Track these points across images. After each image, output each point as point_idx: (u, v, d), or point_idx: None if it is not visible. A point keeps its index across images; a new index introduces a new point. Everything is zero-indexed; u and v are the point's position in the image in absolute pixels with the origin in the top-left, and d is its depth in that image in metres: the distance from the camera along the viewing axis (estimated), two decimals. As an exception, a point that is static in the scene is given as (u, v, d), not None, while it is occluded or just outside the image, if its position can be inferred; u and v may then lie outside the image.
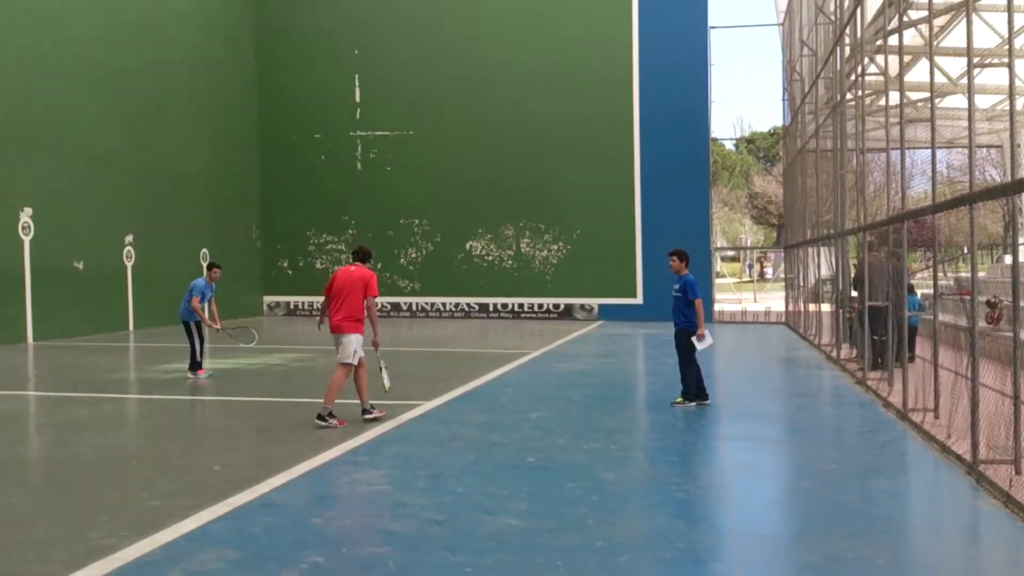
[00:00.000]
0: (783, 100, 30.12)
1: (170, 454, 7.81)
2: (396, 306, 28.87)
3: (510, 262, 28.47)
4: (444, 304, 28.74)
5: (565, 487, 6.61)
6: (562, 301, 28.16)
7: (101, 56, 21.96)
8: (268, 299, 29.87)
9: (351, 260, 9.71)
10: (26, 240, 19.27)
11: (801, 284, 23.30)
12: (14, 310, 18.86)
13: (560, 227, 28.21)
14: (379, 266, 28.84)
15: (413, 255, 28.97)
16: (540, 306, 28.26)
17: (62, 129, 20.46)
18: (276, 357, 16.22)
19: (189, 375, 13.06)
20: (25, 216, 19.24)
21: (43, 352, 17.35)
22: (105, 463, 7.46)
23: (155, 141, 24.05)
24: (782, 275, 37.81)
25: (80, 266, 20.99)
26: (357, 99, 29.19)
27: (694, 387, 10.40)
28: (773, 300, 37.17)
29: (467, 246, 28.68)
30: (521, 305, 28.36)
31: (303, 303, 29.45)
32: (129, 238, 22.94)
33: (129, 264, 22.95)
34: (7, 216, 18.77)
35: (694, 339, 10.25)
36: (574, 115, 28.02)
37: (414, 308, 28.87)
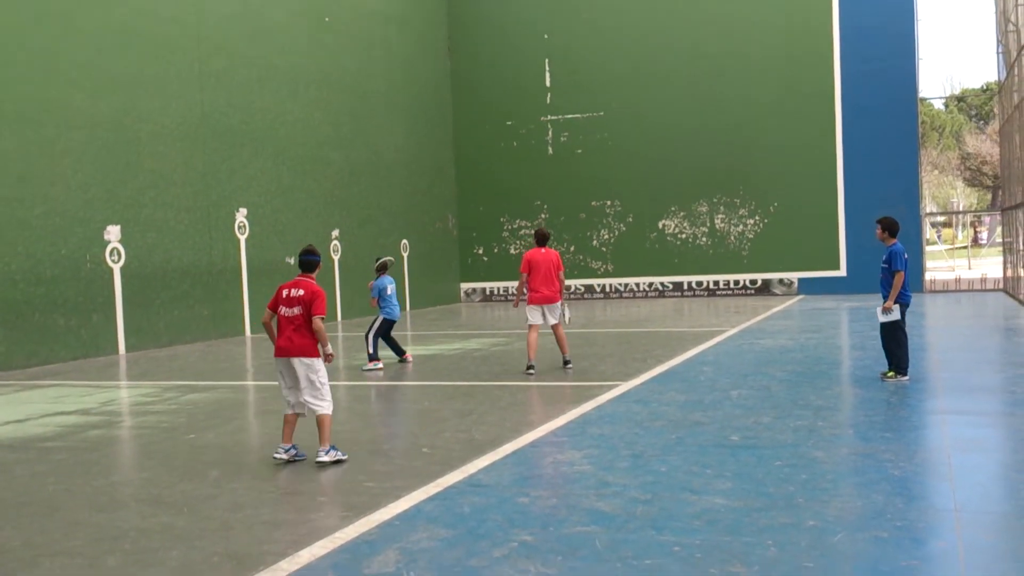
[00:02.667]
0: (997, 53, 27.84)
1: (380, 437, 8.07)
2: (589, 288, 28.88)
3: (704, 239, 27.83)
4: (637, 284, 28.49)
5: (772, 465, 6.32)
6: (759, 276, 27.25)
7: (306, 60, 23.10)
8: (465, 286, 30.62)
9: (535, 244, 11.86)
10: (242, 239, 20.58)
11: (1021, 248, 21.53)
12: (233, 305, 20.21)
13: (756, 200, 27.30)
14: (571, 249, 28.93)
15: (605, 236, 28.86)
16: (736, 283, 27.47)
17: (271, 132, 21.68)
18: (474, 342, 16.53)
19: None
20: (241, 216, 20.53)
21: (259, 344, 18.47)
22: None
23: (356, 138, 25.10)
24: (997, 240, 35.13)
25: (291, 261, 22.18)
26: (547, 83, 29.38)
27: (906, 359, 9.93)
28: (989, 266, 34.62)
29: (660, 225, 28.27)
30: (716, 282, 27.68)
31: (498, 288, 29.99)
32: (335, 232, 24.06)
33: (336, 257, 24.08)
34: (226, 217, 20.10)
35: (877, 309, 9.97)
36: (769, 82, 27.05)
37: (607, 289, 28.78)
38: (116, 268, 17.18)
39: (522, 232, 29.75)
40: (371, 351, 13.23)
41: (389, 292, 13.84)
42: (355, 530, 5.20)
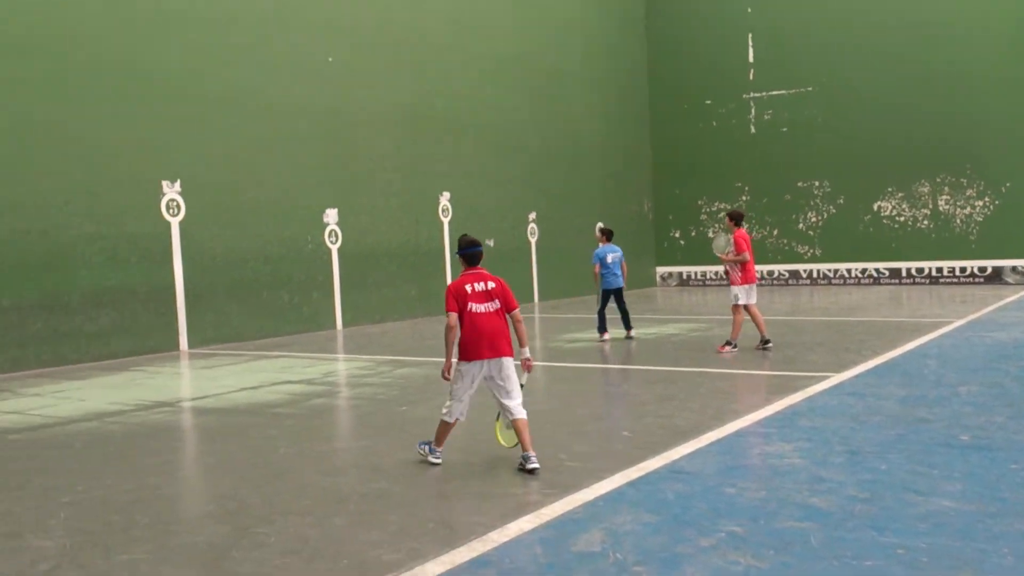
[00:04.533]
0: None
1: (580, 418, 8.15)
2: (795, 273, 27.85)
3: (926, 222, 26.15)
4: (848, 270, 27.16)
5: (1007, 469, 5.88)
6: (989, 263, 25.33)
7: (505, 45, 23.55)
8: (661, 270, 30.31)
9: (735, 224, 12.44)
10: (445, 222, 21.27)
11: None
12: (438, 285, 20.94)
13: (985, 180, 25.34)
14: (775, 232, 28.01)
15: (813, 219, 27.71)
16: (963, 270, 25.67)
17: (473, 117, 22.25)
18: (671, 327, 16.36)
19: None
20: (444, 200, 21.22)
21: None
22: (524, 425, 7.95)
23: (553, 121, 25.35)
24: None
25: (491, 243, 22.74)
26: (750, 59, 28.47)
27: None
28: None
29: (875, 207, 26.80)
30: (939, 269, 25.96)
31: (695, 273, 29.48)
32: (532, 215, 24.43)
33: (533, 240, 24.46)
34: (431, 201, 20.84)
35: None
36: (998, 51, 25.00)
37: (814, 275, 27.65)
38: (334, 249, 18.22)
39: (721, 215, 28.98)
40: (601, 324, 13.77)
41: (610, 261, 14.01)
42: (560, 508, 5.30)
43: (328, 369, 12.29)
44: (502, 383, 6.36)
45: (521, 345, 6.55)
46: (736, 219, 12.60)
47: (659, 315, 19.12)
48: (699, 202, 29.56)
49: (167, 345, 14.94)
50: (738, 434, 7.23)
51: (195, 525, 5.30)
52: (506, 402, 6.34)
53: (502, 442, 6.72)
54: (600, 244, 14.52)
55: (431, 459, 6.53)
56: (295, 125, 17.38)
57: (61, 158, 13.47)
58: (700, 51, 29.28)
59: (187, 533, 5.13)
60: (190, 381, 11.78)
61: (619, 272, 14.28)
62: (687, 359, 11.98)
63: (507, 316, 6.50)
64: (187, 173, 15.31)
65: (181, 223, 15.22)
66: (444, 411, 6.55)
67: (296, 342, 15.91)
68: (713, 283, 28.74)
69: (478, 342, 6.32)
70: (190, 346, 15.25)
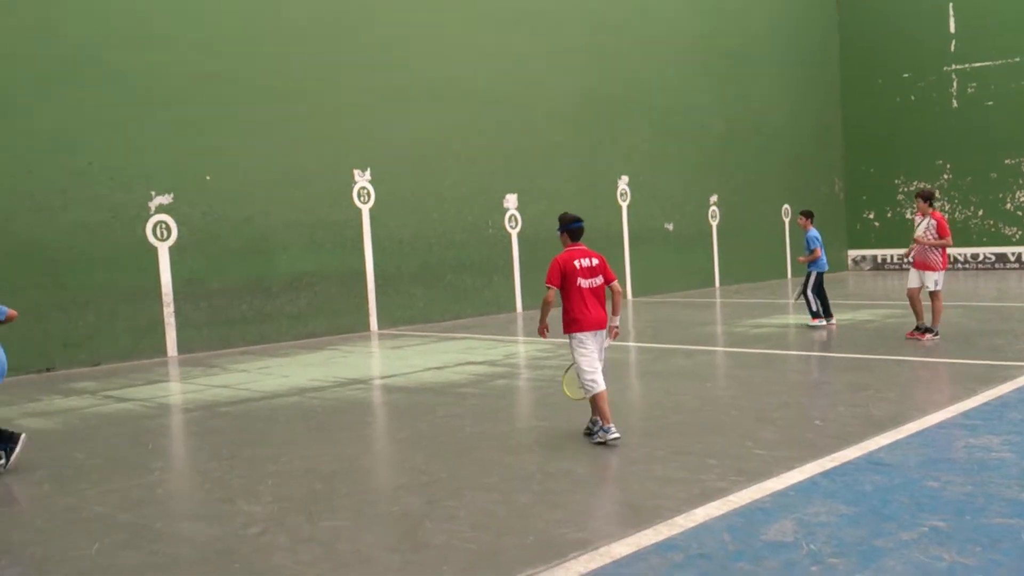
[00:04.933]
0: None
1: (768, 406, 7.95)
2: (1001, 257, 26.02)
3: None
4: (1061, 253, 25.14)
5: None
6: None
7: (687, 27, 23.14)
8: (853, 253, 29.03)
9: (925, 205, 11.75)
10: (624, 206, 21.17)
11: None
12: (616, 269, 20.91)
13: None
14: (979, 213, 26.27)
15: (1021, 199, 25.75)
16: None
17: (652, 100, 22.01)
18: (865, 313, 15.65)
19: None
20: (623, 184, 21.13)
21: (640, 307, 18.98)
22: (707, 411, 7.85)
23: (736, 101, 24.71)
24: None
25: (670, 227, 22.47)
26: (951, 30, 26.72)
27: None
28: None
29: (1090, 185, 24.68)
30: None
31: (891, 256, 28.05)
32: (714, 198, 23.94)
33: (714, 223, 23.97)
34: (609, 185, 20.80)
35: None
36: None
37: (1023, 259, 25.72)
38: (513, 234, 18.52)
39: (920, 196, 27.39)
40: (813, 308, 13.46)
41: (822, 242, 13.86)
42: (748, 495, 5.20)
43: (509, 351, 12.53)
44: (598, 352, 6.81)
45: (614, 314, 6.87)
46: (928, 198, 11.83)
47: (852, 300, 18.33)
48: (895, 181, 28.08)
49: (359, 326, 15.67)
50: (941, 426, 6.86)
51: (390, 496, 5.55)
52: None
53: (568, 394, 7.11)
54: (807, 228, 14.14)
55: (610, 438, 6.55)
56: (477, 112, 17.74)
57: (265, 150, 14.33)
58: (896, 23, 27.73)
59: (383, 503, 5.38)
60: (380, 360, 12.31)
61: (824, 255, 14.04)
62: (882, 347, 11.43)
63: (607, 287, 6.90)
64: (376, 162, 15.95)
65: (371, 210, 15.89)
66: (589, 386, 6.67)
67: (478, 324, 16.31)
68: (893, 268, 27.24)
69: (589, 314, 6.70)
70: (380, 327, 15.93)
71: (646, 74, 21.83)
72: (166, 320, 13.09)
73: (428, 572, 4.21)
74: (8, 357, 11.40)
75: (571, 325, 6.75)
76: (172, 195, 13.19)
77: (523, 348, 12.91)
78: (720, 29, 24.24)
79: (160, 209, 13.09)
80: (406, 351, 12.89)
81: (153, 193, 13.02)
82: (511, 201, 18.48)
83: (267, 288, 14.33)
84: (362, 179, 15.76)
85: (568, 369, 7.08)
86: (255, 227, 14.22)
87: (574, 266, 6.75)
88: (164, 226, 13.12)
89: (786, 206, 26.47)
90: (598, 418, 6.67)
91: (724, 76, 24.31)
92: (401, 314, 16.35)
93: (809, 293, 13.69)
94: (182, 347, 13.19)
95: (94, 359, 12.30)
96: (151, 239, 12.99)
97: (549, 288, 6.71)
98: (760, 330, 13.77)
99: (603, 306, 6.80)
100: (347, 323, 15.49)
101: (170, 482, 6.22)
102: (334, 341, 14.45)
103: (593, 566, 4.17)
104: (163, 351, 13.02)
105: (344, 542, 4.66)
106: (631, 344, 12.95)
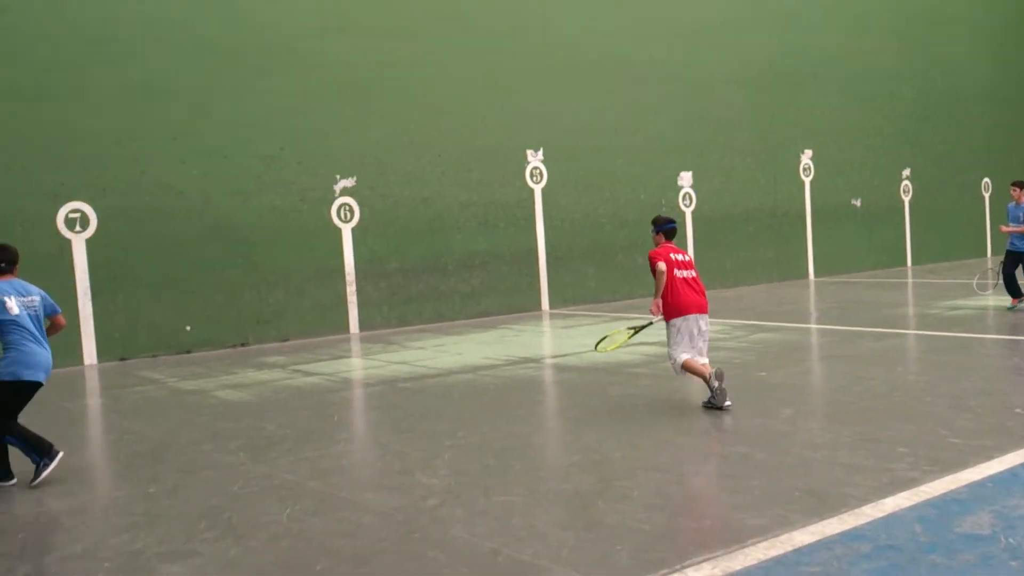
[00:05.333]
0: None
1: (964, 392, 7.45)
2: None
3: None
4: None
5: None
6: None
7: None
8: (1059, 231, 26.74)
9: None
10: (806, 181, 20.34)
11: None
12: (796, 248, 20.16)
13: None
14: None
15: None
16: None
17: (837, 69, 20.98)
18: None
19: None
20: (805, 158, 20.29)
21: (824, 287, 18.21)
22: (897, 396, 7.44)
23: (931, 69, 23.22)
24: None
25: (857, 203, 21.42)
26: None
27: None
28: None
29: None
30: None
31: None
32: (906, 171, 22.63)
33: (906, 199, 22.68)
34: (790, 159, 20.04)
35: None
36: None
37: None
38: (688, 212, 18.17)
39: None
40: (1012, 288, 12.54)
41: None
42: (941, 486, 4.89)
43: (684, 331, 12.30)
44: (699, 333, 7.41)
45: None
46: None
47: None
48: (1109, 151, 25.65)
49: (530, 305, 15.82)
50: None
51: (562, 473, 5.56)
52: (702, 346, 7.41)
53: (608, 347, 7.95)
54: (1022, 200, 12.95)
55: (725, 404, 7.06)
56: (649, 89, 17.48)
57: (441, 132, 14.66)
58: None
59: (555, 480, 5.40)
60: (552, 339, 12.38)
61: None
62: (1093, 331, 10.52)
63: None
64: (548, 142, 16.01)
65: (543, 189, 15.97)
66: (673, 361, 7.38)
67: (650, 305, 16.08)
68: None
69: (687, 301, 7.37)
70: (551, 306, 16.02)
71: (830, 40, 20.83)
72: (348, 298, 13.66)
73: (601, 551, 4.18)
74: (207, 332, 12.32)
75: (669, 312, 7.48)
76: (355, 178, 13.71)
77: (697, 328, 12.65)
78: (910, -7, 22.84)
79: (344, 192, 13.65)
80: (577, 331, 12.91)
81: (338, 176, 13.58)
82: (685, 179, 18.13)
83: (442, 267, 14.69)
84: (535, 159, 15.85)
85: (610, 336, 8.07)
86: (431, 208, 14.59)
87: (671, 258, 7.49)
88: (348, 208, 13.67)
89: (986, 179, 24.70)
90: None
91: (916, 39, 22.86)
92: (572, 293, 16.38)
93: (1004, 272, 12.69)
94: (363, 324, 13.73)
95: (283, 335, 12.99)
96: (336, 221, 13.56)
97: (658, 264, 7.43)
98: (957, 312, 12.93)
99: (702, 292, 7.53)
100: (519, 302, 15.66)
101: (354, 453, 6.49)
102: (506, 320, 14.66)
103: (773, 553, 4.03)
104: (345, 328, 13.60)
105: (518, 517, 4.71)
106: (813, 326, 12.46)
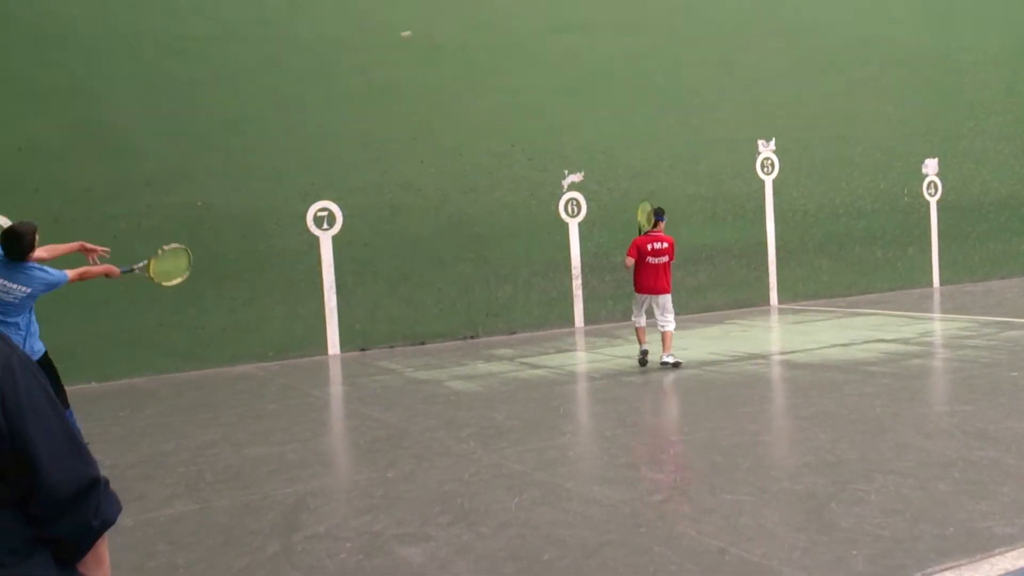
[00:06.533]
0: None
1: None
2: None
3: None
4: None
5: None
6: None
7: None
8: None
9: None
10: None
11: None
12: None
13: None
14: None
15: None
16: None
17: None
18: None
19: None
20: None
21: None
22: None
23: None
24: None
25: None
26: None
27: None
28: None
29: None
30: None
31: None
32: None
33: None
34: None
35: None
36: None
37: None
38: (932, 201, 17.10)
39: None
40: None
41: None
42: None
43: (924, 328, 11.65)
44: (657, 308, 9.57)
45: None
46: None
47: None
48: None
49: (758, 299, 15.46)
50: None
51: (793, 473, 5.48)
52: (660, 317, 9.59)
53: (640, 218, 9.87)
54: None
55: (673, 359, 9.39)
56: (893, 73, 16.56)
57: (665, 125, 14.60)
58: None
59: (786, 480, 5.33)
60: (781, 335, 12.08)
61: None
62: None
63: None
64: (782, 131, 15.55)
65: (774, 181, 15.55)
66: (634, 321, 9.85)
67: (889, 299, 15.31)
68: None
69: (647, 284, 9.57)
70: (780, 301, 15.58)
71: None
72: (574, 292, 13.91)
73: (836, 554, 4.12)
74: (439, 324, 12.94)
75: (636, 286, 9.78)
76: (583, 173, 13.94)
77: (940, 326, 11.94)
78: None
79: (572, 187, 13.90)
80: (809, 326, 12.51)
81: (566, 172, 13.86)
82: (931, 166, 17.05)
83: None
84: (766, 149, 15.46)
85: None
86: (658, 201, 14.32)
87: (646, 247, 9.49)
88: (575, 203, 13.92)
89: None
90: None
91: None
92: (803, 288, 15.85)
93: None
94: (588, 318, 13.93)
95: (510, 328, 13.43)
96: (563, 215, 13.85)
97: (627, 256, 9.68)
98: None
99: (667, 277, 9.54)
100: (746, 296, 15.35)
101: (580, 445, 6.66)
102: (732, 315, 14.42)
103: (1022, 564, 3.83)
104: (571, 321, 13.87)
105: (746, 516, 4.69)
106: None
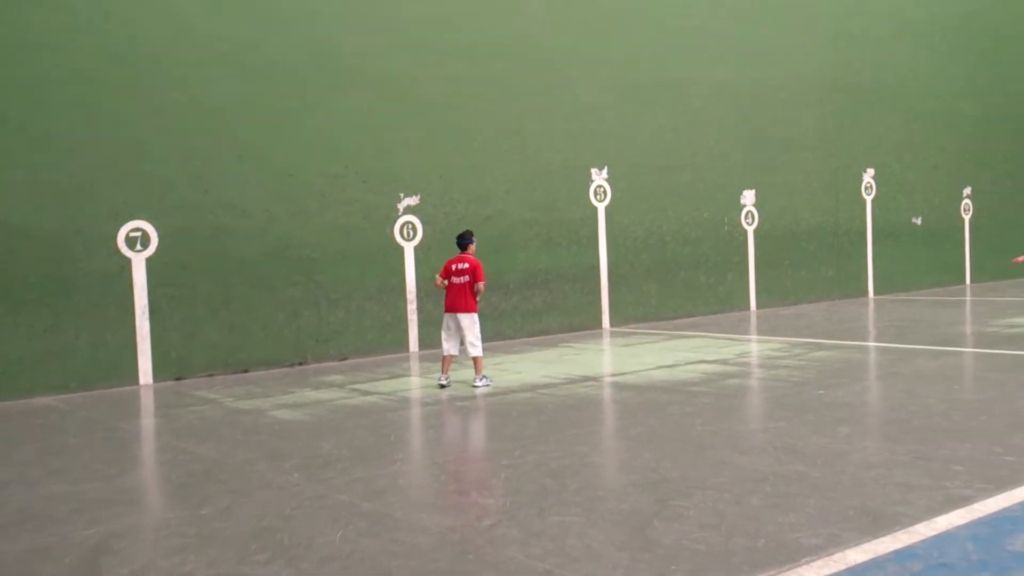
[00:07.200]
0: None
1: (1020, 410, 7.40)
2: None
3: None
4: None
5: None
6: None
7: (942, 9, 21.68)
8: None
9: None
10: (868, 199, 20.13)
11: None
12: (857, 266, 19.95)
13: None
14: None
15: None
16: None
17: (902, 88, 20.77)
18: None
19: None
20: (868, 176, 20.08)
21: (883, 305, 17.98)
22: (953, 414, 7.41)
23: (994, 86, 22.89)
24: None
25: (918, 221, 21.12)
26: None
27: None
28: None
29: None
30: None
31: None
32: (967, 191, 22.27)
33: (966, 217, 22.30)
34: (853, 178, 19.86)
35: None
36: None
37: None
38: (750, 230, 18.12)
39: None
40: None
41: None
42: (995, 504, 4.93)
43: (742, 350, 12.30)
44: (456, 328, 10.06)
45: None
46: None
47: None
48: None
49: (591, 323, 15.90)
50: None
51: (619, 493, 5.65)
52: (463, 337, 10.03)
53: None
54: None
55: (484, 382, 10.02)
56: (715, 108, 17.50)
57: (505, 151, 14.84)
58: None
59: (612, 500, 5.49)
60: (612, 357, 12.45)
61: None
62: None
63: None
64: (614, 160, 16.11)
65: (607, 208, 16.07)
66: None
67: (711, 322, 16.09)
68: None
69: (447, 302, 10.10)
70: (612, 324, 16.09)
71: (896, 59, 20.66)
72: (409, 317, 13.87)
73: (657, 570, 4.27)
74: (264, 350, 12.57)
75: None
76: (419, 196, 13.95)
77: (757, 347, 12.63)
78: (977, 8, 22.48)
79: (408, 210, 13.88)
80: (638, 348, 12.96)
81: (402, 195, 13.83)
82: (748, 197, 18.08)
83: (504, 285, 14.83)
84: (599, 177, 15.97)
85: None
86: (494, 226, 14.75)
87: (450, 268, 10.09)
88: (411, 226, 13.92)
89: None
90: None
91: (981, 58, 22.54)
92: (633, 311, 16.43)
93: None
94: (423, 343, 13.92)
95: (342, 353, 13.23)
96: (398, 239, 13.81)
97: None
98: (1015, 330, 12.72)
99: (463, 296, 9.91)
100: (580, 320, 15.76)
101: (410, 473, 6.60)
102: (567, 338, 14.76)
103: (827, 572, 4.09)
104: (405, 346, 13.81)
105: (574, 537, 4.80)
106: (871, 344, 12.34)
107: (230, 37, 12.40)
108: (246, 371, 12.30)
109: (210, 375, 12.00)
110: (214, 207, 12.22)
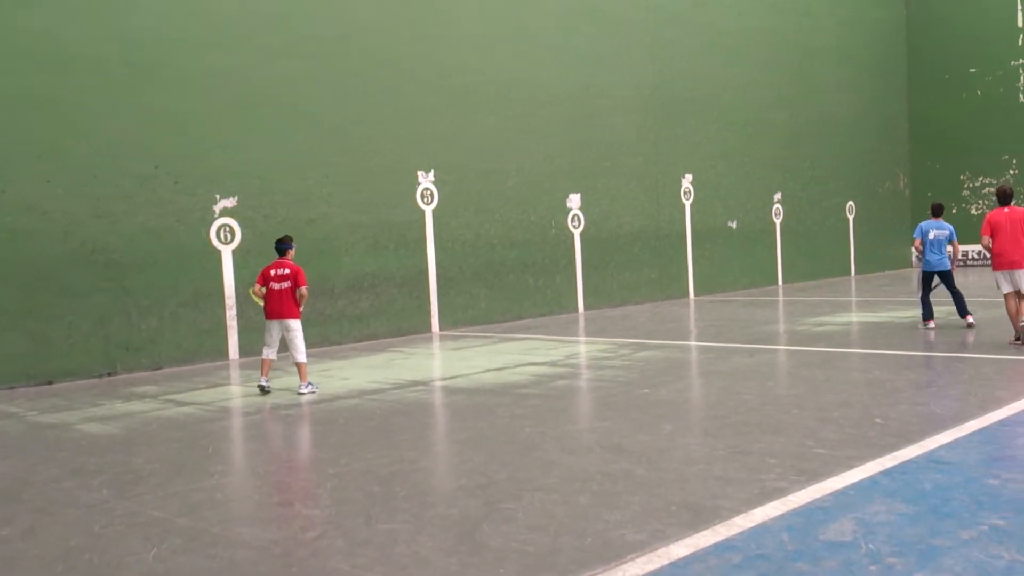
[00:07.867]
0: None
1: (829, 404, 7.82)
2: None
3: None
4: None
5: None
6: None
7: (753, 22, 22.89)
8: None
9: (998, 203, 11.21)
10: (687, 204, 21.01)
11: None
12: (678, 268, 20.76)
13: None
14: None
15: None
16: None
17: (716, 98, 21.80)
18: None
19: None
20: (686, 182, 20.95)
21: (703, 306, 18.80)
22: (767, 409, 7.76)
23: (802, 98, 24.40)
24: None
25: (733, 225, 22.22)
26: (1020, 24, 26.03)
27: None
28: None
29: None
30: None
31: (967, 252, 27.33)
32: (777, 196, 23.62)
33: (777, 221, 23.65)
34: (672, 183, 20.65)
35: None
36: None
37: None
38: (576, 233, 18.51)
39: (985, 191, 26.86)
40: (923, 310, 12.77)
41: (931, 237, 12.84)
42: (807, 495, 5.14)
43: (570, 351, 12.52)
44: (280, 333, 9.91)
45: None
46: (1002, 197, 11.26)
47: (914, 297, 17.91)
48: (961, 177, 27.43)
49: (420, 327, 15.80)
50: (1003, 423, 6.72)
51: (449, 498, 5.58)
52: (292, 345, 9.88)
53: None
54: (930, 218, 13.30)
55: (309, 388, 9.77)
56: (539, 113, 17.77)
57: (323, 152, 14.52)
58: (963, 18, 27.18)
59: (442, 505, 5.41)
60: (441, 361, 12.40)
61: (943, 252, 12.83)
62: (944, 344, 11.18)
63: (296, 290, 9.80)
64: (440, 163, 16.06)
65: (434, 211, 16.00)
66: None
67: (540, 324, 16.32)
68: (976, 264, 26.55)
69: (267, 308, 9.86)
70: (441, 328, 16.04)
71: (710, 70, 21.65)
72: (228, 323, 13.33)
73: (485, 575, 4.22)
74: (69, 361, 11.79)
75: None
76: (236, 198, 13.43)
77: (584, 348, 12.88)
78: (786, 24, 23.93)
79: (224, 212, 13.35)
80: (467, 352, 12.96)
81: (218, 196, 13.28)
82: (574, 201, 18.47)
83: (330, 290, 14.51)
84: (426, 180, 15.88)
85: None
86: (318, 229, 14.41)
87: (269, 273, 9.84)
88: (228, 229, 13.38)
89: (851, 203, 26.01)
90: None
91: (789, 71, 24.00)
92: (462, 315, 16.44)
93: (920, 292, 13.07)
94: (244, 350, 13.41)
95: (156, 363, 12.57)
96: (215, 242, 13.25)
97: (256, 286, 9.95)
98: (822, 328, 13.55)
99: (286, 302, 9.77)
100: (408, 324, 15.62)
101: (229, 486, 6.31)
102: (395, 343, 14.59)
103: (651, 568, 4.15)
104: (225, 354, 13.27)
105: (402, 545, 4.69)
106: (692, 343, 12.83)
107: (25, 27, 11.56)
108: (50, 383, 11.50)
109: (11, 387, 11.17)
110: (11, 208, 11.38)
